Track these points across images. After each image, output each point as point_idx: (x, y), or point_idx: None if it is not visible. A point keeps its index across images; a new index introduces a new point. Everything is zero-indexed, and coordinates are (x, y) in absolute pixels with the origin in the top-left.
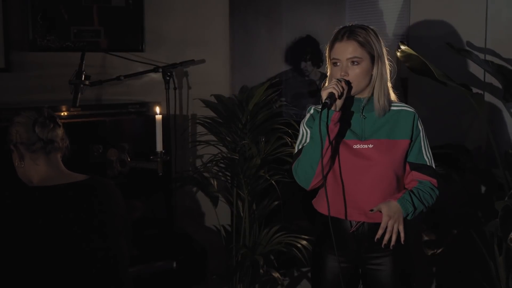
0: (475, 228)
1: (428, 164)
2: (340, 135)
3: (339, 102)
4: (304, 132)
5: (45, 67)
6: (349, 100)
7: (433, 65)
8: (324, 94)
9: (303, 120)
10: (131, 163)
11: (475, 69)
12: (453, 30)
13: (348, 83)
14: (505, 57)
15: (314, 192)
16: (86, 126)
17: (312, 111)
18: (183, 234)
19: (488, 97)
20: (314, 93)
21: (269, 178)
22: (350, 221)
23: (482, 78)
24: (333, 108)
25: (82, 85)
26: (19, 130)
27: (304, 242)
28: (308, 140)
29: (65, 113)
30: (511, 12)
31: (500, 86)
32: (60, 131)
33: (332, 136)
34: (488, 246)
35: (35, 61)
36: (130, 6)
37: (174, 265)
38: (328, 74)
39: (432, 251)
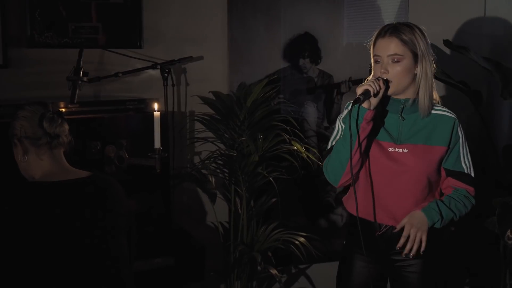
0: (473, 225)
1: (465, 171)
2: (374, 134)
3: (374, 101)
4: (339, 127)
5: (43, 63)
6: (387, 100)
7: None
8: (359, 91)
9: (340, 115)
10: (129, 160)
11: (473, 67)
12: (451, 27)
13: (386, 82)
14: (503, 55)
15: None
16: (84, 122)
17: (350, 107)
18: (181, 231)
19: (486, 94)
20: (312, 90)
21: (267, 175)
22: (379, 223)
23: (480, 76)
24: (366, 106)
25: (80, 82)
26: (24, 124)
27: (301, 239)
28: (341, 137)
29: (63, 110)
30: (509, 10)
31: (498, 83)
32: (66, 126)
33: (364, 135)
34: (486, 243)
35: (33, 57)
36: (128, 3)
37: (172, 261)
38: (372, 71)
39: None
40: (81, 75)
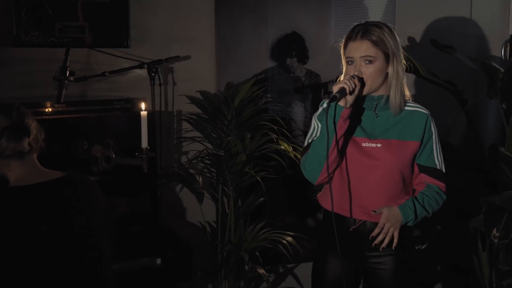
0: (459, 224)
1: (438, 167)
2: (350, 132)
3: (350, 99)
4: (315, 125)
5: (29, 63)
6: (362, 98)
7: (418, 61)
8: (335, 89)
9: (315, 113)
10: (116, 160)
11: (460, 66)
12: (438, 27)
13: (361, 80)
14: (489, 54)
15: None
16: (70, 122)
17: (325, 104)
18: (168, 231)
19: (472, 93)
20: (299, 90)
21: (254, 174)
22: (355, 219)
23: (466, 75)
24: (343, 104)
25: (66, 81)
26: None
27: (289, 239)
28: (318, 134)
29: (50, 109)
30: (494, 10)
31: (484, 82)
32: (28, 139)
33: (341, 132)
34: (472, 242)
35: (19, 57)
36: (115, 2)
37: (159, 261)
38: (343, 71)
39: (417, 247)
40: (67, 75)
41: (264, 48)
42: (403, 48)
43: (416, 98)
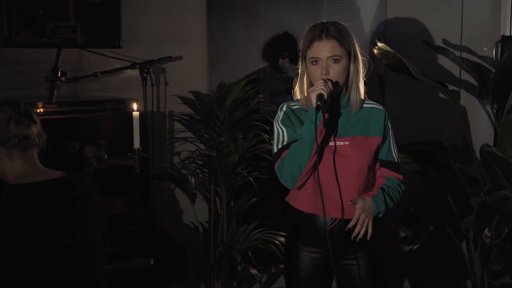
0: (451, 224)
1: (396, 161)
2: (326, 134)
3: (327, 103)
4: (280, 130)
5: (21, 63)
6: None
7: (410, 62)
8: (313, 96)
9: (276, 118)
10: (108, 160)
11: (451, 66)
12: (430, 28)
13: (334, 83)
14: (480, 55)
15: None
16: (62, 122)
17: (285, 108)
18: (161, 231)
19: (463, 94)
20: (291, 90)
21: (246, 175)
22: (329, 218)
23: (458, 75)
24: (323, 109)
25: (58, 82)
26: None
27: (281, 239)
28: (286, 139)
29: (41, 110)
30: (486, 10)
31: (475, 83)
32: (35, 128)
33: (321, 137)
34: (464, 242)
35: (10, 57)
36: (107, 2)
37: (152, 262)
38: (299, 71)
39: (409, 247)
40: (59, 75)
41: (256, 49)
42: (360, 46)
43: (407, 98)
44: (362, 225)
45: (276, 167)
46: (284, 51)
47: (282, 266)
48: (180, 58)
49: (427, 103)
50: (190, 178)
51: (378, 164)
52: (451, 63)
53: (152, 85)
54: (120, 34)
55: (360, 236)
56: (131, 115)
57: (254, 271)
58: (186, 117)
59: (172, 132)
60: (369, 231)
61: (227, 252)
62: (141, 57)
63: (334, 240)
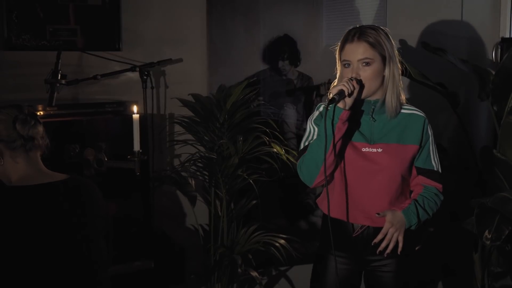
0: (452, 226)
1: (435, 169)
2: (349, 135)
3: (349, 101)
4: (311, 129)
5: (21, 66)
6: (360, 102)
7: (410, 64)
8: (333, 91)
9: (311, 117)
10: (108, 163)
11: (451, 69)
12: (429, 30)
13: (359, 82)
14: (480, 57)
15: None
16: (62, 125)
17: (321, 108)
18: (161, 234)
19: (463, 96)
20: (291, 92)
21: (247, 177)
22: (352, 224)
23: (458, 77)
24: (342, 106)
25: (58, 84)
26: None
27: (282, 241)
28: (315, 137)
29: (41, 113)
30: (485, 12)
31: (475, 85)
32: (41, 128)
33: (339, 135)
34: (464, 244)
35: (10, 60)
36: (107, 5)
37: (152, 264)
38: (337, 75)
39: None
40: (59, 78)
41: (256, 51)
42: (398, 51)
43: (407, 100)
44: (389, 240)
45: (297, 163)
46: (284, 53)
47: (282, 268)
48: (180, 60)
49: (427, 105)
50: (190, 181)
51: (414, 172)
52: (451, 65)
53: (152, 87)
54: (120, 37)
55: (388, 250)
56: (131, 117)
57: (254, 274)
58: (186, 120)
59: (172, 134)
60: (400, 244)
61: (228, 255)
62: (141, 60)
63: (362, 246)
